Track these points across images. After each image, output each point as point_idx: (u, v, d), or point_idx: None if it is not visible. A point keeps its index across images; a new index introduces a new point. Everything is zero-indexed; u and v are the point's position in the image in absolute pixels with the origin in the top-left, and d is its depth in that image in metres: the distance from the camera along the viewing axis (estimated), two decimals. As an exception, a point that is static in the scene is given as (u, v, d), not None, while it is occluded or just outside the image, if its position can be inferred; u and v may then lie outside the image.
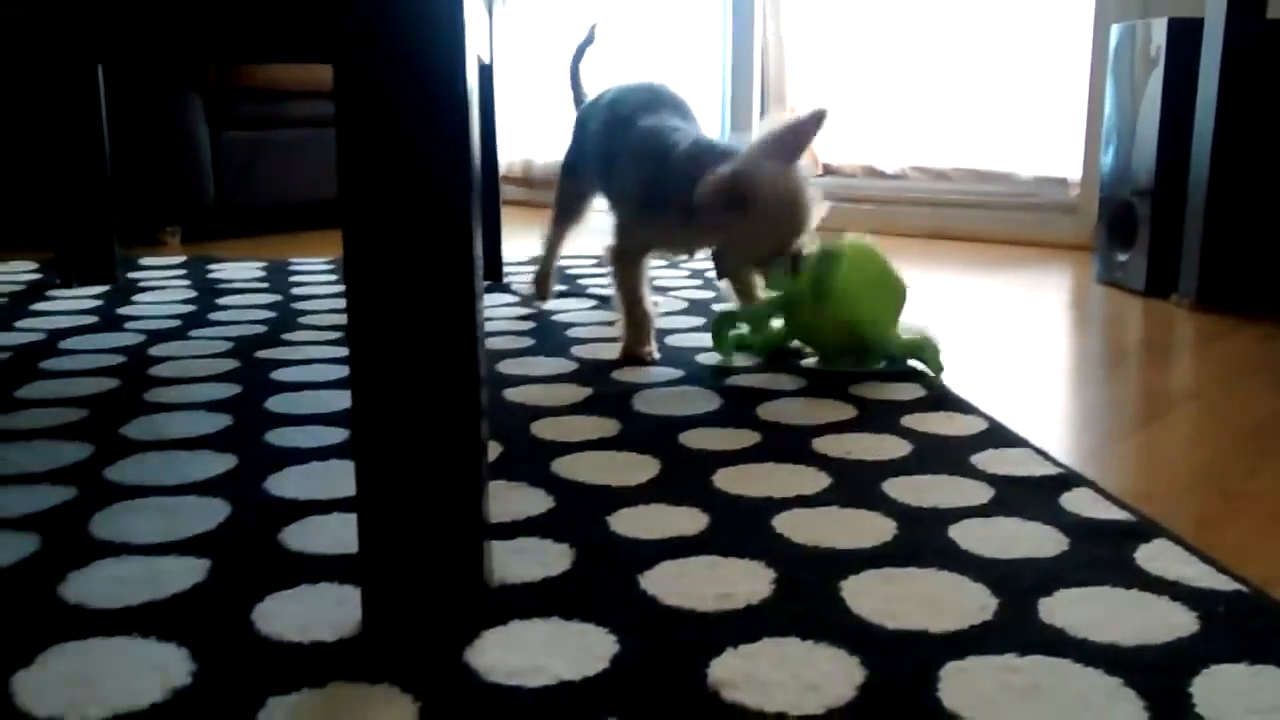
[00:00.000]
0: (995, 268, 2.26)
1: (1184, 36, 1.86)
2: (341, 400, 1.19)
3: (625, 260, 1.41)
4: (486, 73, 1.83)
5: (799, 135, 1.28)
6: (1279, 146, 1.84)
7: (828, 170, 2.87)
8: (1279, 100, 1.83)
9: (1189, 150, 1.85)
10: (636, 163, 1.37)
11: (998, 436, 1.10)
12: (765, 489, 0.94)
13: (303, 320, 1.62)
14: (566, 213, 1.67)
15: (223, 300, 1.77)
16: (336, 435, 1.07)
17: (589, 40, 1.70)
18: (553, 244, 1.72)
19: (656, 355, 1.40)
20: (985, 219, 2.64)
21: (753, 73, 2.98)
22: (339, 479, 0.95)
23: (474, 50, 0.68)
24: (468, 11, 0.66)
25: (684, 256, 1.46)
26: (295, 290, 1.86)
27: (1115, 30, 2.06)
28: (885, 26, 2.81)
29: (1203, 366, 1.48)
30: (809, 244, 1.31)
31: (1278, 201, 1.86)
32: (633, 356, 1.39)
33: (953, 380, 1.32)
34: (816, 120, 1.28)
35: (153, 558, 0.79)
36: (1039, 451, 1.05)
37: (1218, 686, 0.64)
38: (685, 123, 1.42)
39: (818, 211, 1.29)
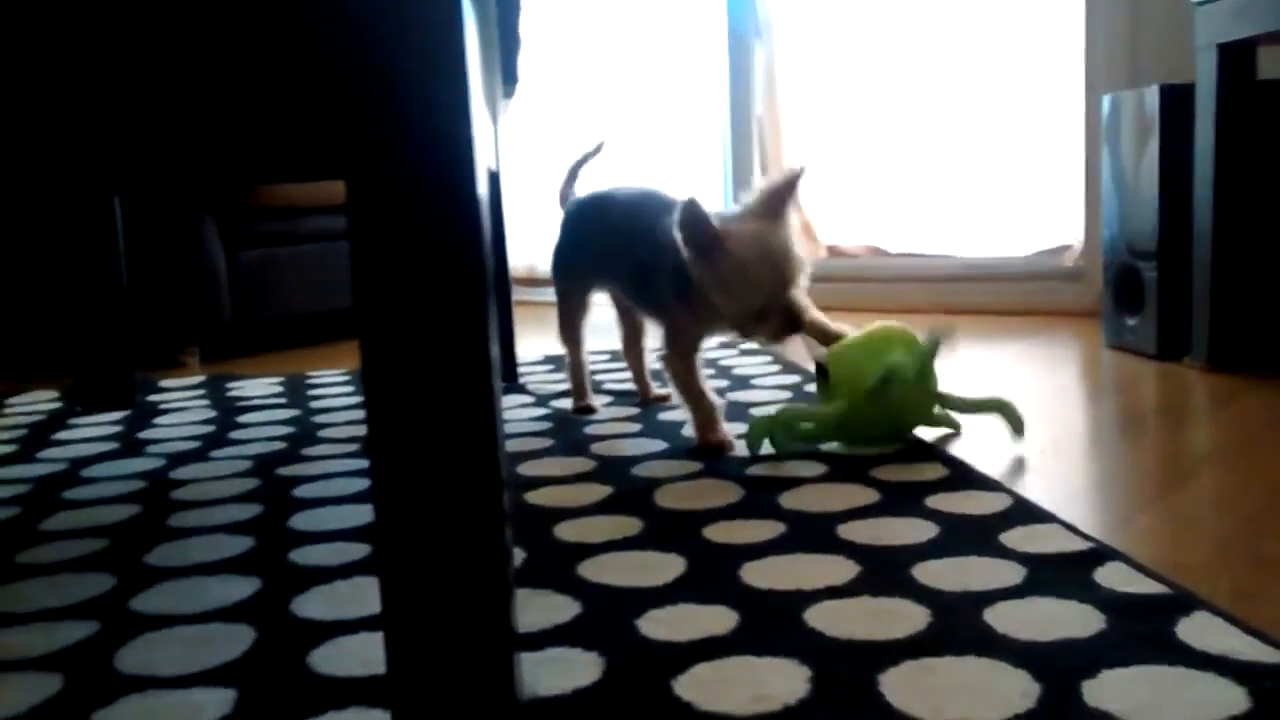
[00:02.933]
0: (1004, 339, 2.25)
1: (1177, 102, 1.89)
2: (364, 514, 1.19)
3: (679, 358, 1.43)
4: (494, 180, 1.86)
5: (777, 195, 1.33)
6: (1278, 204, 1.86)
7: (833, 252, 2.89)
8: (1274, 158, 1.85)
9: (1190, 213, 1.86)
10: (660, 263, 1.38)
11: (1024, 513, 1.09)
12: (794, 581, 0.93)
13: (322, 434, 1.63)
14: (575, 312, 1.69)
15: (242, 419, 1.78)
16: (360, 550, 1.07)
17: (595, 153, 1.74)
18: (574, 348, 1.71)
19: (733, 441, 1.40)
20: (991, 291, 2.65)
21: (752, 158, 3.02)
22: (365, 596, 0.94)
23: (483, 160, 0.69)
24: (475, 123, 0.67)
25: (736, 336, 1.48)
26: (314, 404, 1.87)
27: (1107, 100, 2.09)
28: (879, 108, 2.85)
29: (1222, 429, 1.46)
30: (805, 305, 1.36)
31: (1284, 257, 1.87)
32: (711, 445, 1.40)
33: (973, 455, 1.31)
34: (793, 179, 1.34)
35: (179, 691, 0.78)
36: (1068, 526, 1.04)
37: (1275, 766, 0.62)
38: None
39: (801, 267, 1.32)
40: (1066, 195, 2.56)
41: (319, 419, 1.74)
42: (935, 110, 2.77)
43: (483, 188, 0.69)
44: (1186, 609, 0.84)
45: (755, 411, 1.51)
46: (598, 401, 1.72)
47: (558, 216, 1.73)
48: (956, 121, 2.74)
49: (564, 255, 1.67)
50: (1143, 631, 0.80)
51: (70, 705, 0.76)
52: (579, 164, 1.74)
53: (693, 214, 1.29)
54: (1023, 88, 2.65)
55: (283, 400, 1.92)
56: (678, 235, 1.30)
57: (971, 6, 2.71)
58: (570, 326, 1.69)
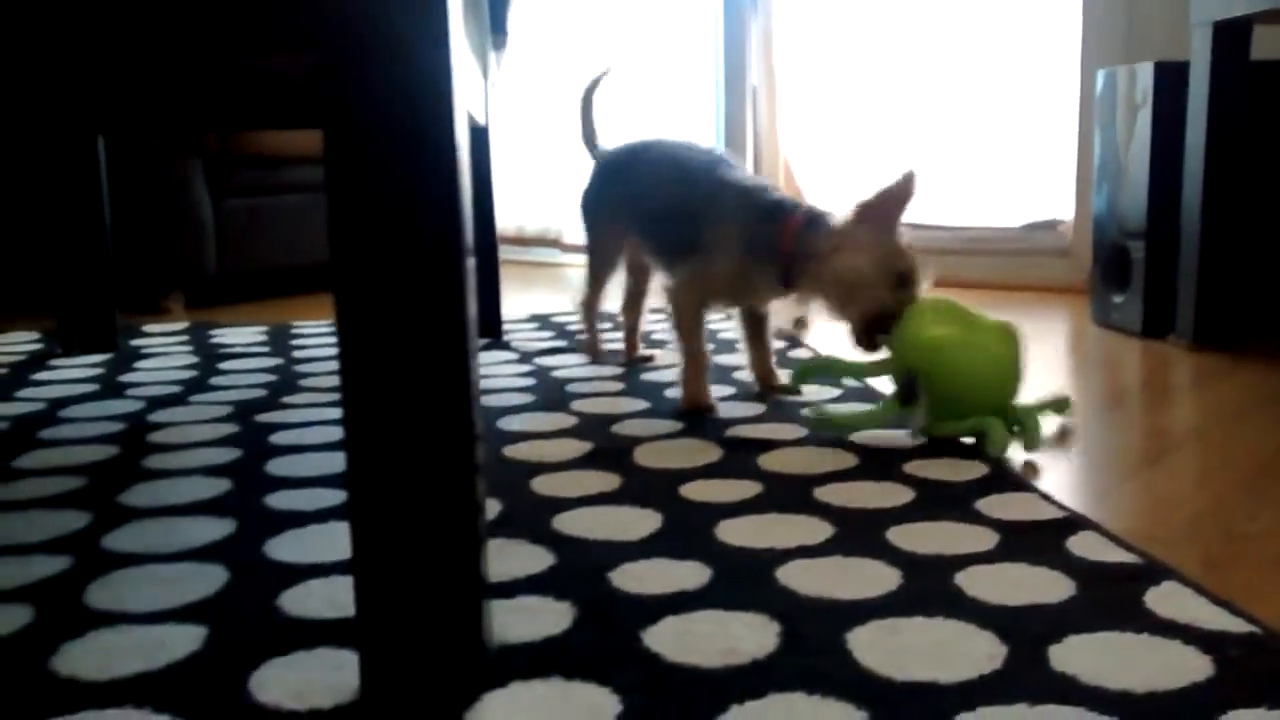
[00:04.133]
0: (993, 313, 2.25)
1: (1170, 80, 1.88)
2: (341, 462, 1.18)
3: (697, 309, 1.43)
4: (481, 135, 1.85)
5: (892, 199, 1.31)
6: (1268, 185, 1.85)
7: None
8: (1266, 139, 1.85)
9: (1180, 192, 1.86)
10: (726, 211, 1.40)
11: (1001, 481, 1.09)
12: (768, 540, 0.93)
13: (303, 383, 1.62)
14: (606, 266, 1.68)
15: (224, 365, 1.77)
16: (336, 497, 1.07)
17: (603, 76, 1.72)
18: (592, 303, 1.72)
19: (716, 404, 1.41)
20: (980, 265, 2.64)
21: (746, 128, 3.00)
22: (338, 541, 0.94)
23: (463, 112, 0.69)
24: (457, 74, 0.66)
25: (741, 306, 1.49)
26: (296, 354, 1.86)
27: (1101, 75, 2.08)
28: (875, 79, 2.84)
29: (1203, 406, 1.47)
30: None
31: (1270, 240, 1.87)
32: (698, 405, 1.40)
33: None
34: (908, 186, 1.32)
35: (149, 627, 0.78)
36: (1044, 495, 1.05)
37: (1234, 731, 0.63)
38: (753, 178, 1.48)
39: (918, 277, 1.31)
40: (1059, 170, 2.56)
41: (301, 368, 1.73)
42: (931, 83, 2.76)
43: (463, 140, 0.68)
44: (1156, 579, 0.84)
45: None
46: (575, 360, 1.72)
47: (583, 159, 1.73)
48: (952, 94, 2.73)
49: (598, 198, 1.66)
50: (1111, 599, 0.81)
51: (40, 637, 0.76)
52: (590, 91, 1.72)
53: (812, 217, 1.33)
54: (1020, 60, 2.63)
55: (266, 349, 1.91)
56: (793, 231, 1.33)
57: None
58: (598, 279, 1.69)
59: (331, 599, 0.82)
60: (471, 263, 0.68)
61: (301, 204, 2.64)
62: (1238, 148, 1.81)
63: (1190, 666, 0.71)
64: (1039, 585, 0.84)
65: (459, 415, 0.67)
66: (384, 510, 0.67)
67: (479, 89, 1.71)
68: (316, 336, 2.03)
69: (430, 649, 0.69)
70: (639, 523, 0.99)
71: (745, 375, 1.54)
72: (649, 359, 1.71)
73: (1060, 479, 1.14)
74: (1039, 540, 0.93)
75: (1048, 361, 1.78)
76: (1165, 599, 0.81)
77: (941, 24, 2.73)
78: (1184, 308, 1.86)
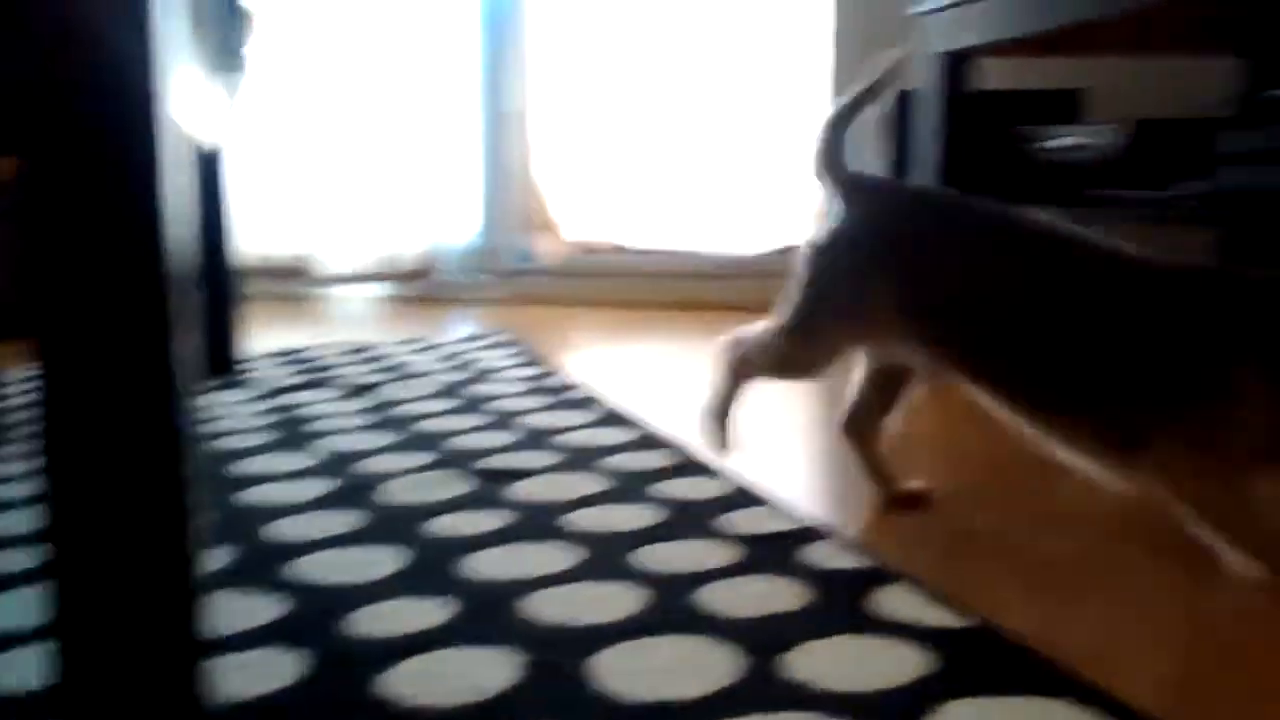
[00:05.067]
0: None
1: (901, 107, 2.02)
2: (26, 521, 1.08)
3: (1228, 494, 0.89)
4: (212, 160, 1.75)
5: None
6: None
7: (583, 249, 2.91)
8: (989, 164, 2.00)
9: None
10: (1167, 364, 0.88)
11: (743, 497, 1.12)
12: (515, 571, 0.92)
13: None
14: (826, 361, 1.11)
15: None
16: (23, 560, 0.97)
17: (878, 89, 1.09)
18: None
19: None
20: (723, 288, 2.74)
21: (511, 152, 3.00)
22: (33, 606, 0.85)
23: (181, 136, 0.64)
24: (169, 104, 0.61)
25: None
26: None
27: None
28: (630, 107, 2.89)
29: (929, 413, 1.56)
30: None
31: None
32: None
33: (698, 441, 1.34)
34: None
35: None
36: (779, 508, 1.08)
37: (952, 722, 0.66)
38: None
39: None
40: (803, 197, 2.69)
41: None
42: (689, 111, 2.85)
43: (177, 166, 0.63)
44: (884, 581, 0.88)
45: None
46: (319, 396, 1.65)
47: (814, 188, 1.17)
48: (710, 123, 2.83)
49: (859, 273, 1.06)
50: (842, 604, 0.84)
51: None
52: (852, 109, 1.09)
53: None
54: (774, 89, 2.76)
55: (-30, 398, 1.73)
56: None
57: (724, 6, 2.80)
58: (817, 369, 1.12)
59: (30, 671, 0.74)
60: (189, 295, 0.63)
61: None
62: (962, 169, 1.96)
63: (915, 662, 0.74)
64: (777, 595, 0.86)
65: (164, 462, 0.62)
66: (85, 570, 0.61)
67: (209, 112, 1.63)
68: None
69: (142, 714, 0.63)
70: (380, 563, 0.95)
71: None
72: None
73: (798, 491, 1.18)
74: (778, 551, 0.95)
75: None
76: (893, 599, 0.84)
77: (701, 53, 2.83)
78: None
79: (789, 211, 2.75)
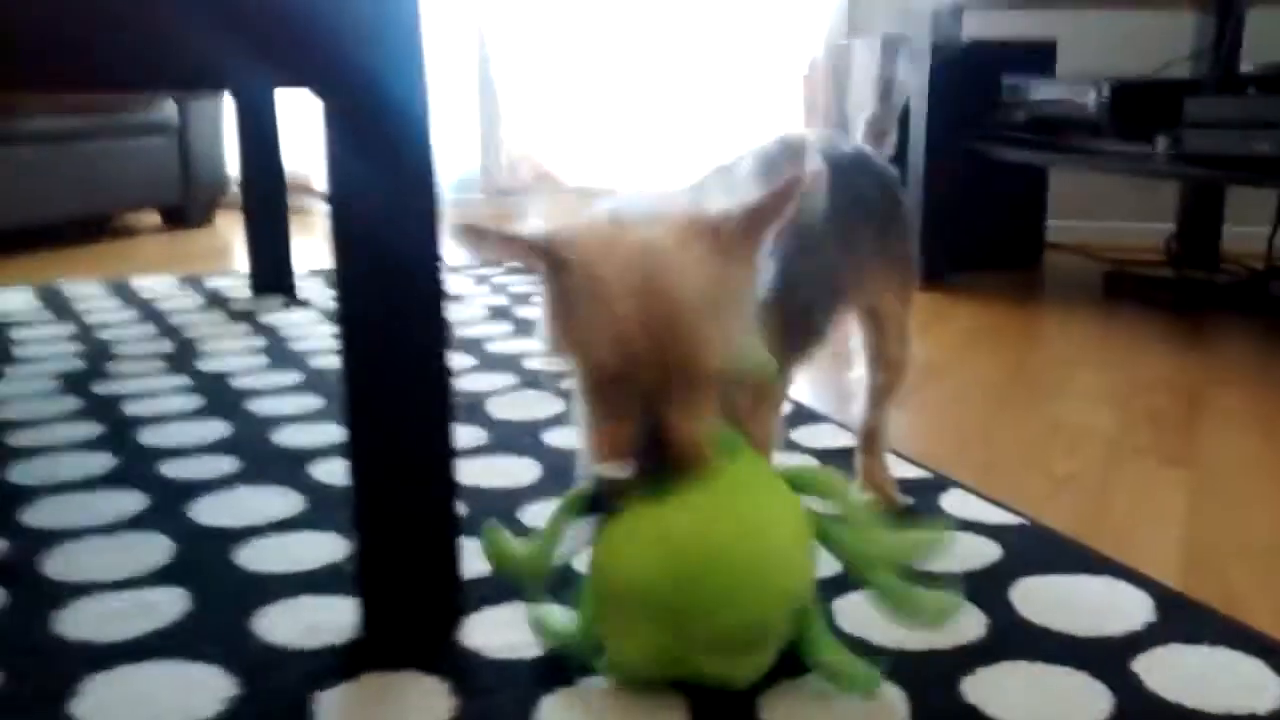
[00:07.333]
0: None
1: (891, 54, 2.18)
2: (206, 431, 1.24)
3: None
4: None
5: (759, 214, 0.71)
6: (976, 146, 2.19)
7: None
8: (975, 111, 2.18)
9: (905, 149, 2.17)
10: None
11: (806, 415, 1.31)
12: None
13: (120, 351, 1.61)
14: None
15: (15, 335, 1.72)
16: (229, 464, 1.13)
17: None
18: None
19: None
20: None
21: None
22: (244, 504, 1.02)
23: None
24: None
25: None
26: (88, 319, 1.82)
27: (822, 50, 2.36)
28: (603, 56, 3.03)
29: (941, 340, 1.77)
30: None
31: (977, 192, 2.22)
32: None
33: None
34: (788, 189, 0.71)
35: (130, 591, 0.85)
36: (842, 425, 1.27)
37: (1033, 596, 0.86)
38: None
39: (718, 336, 0.70)
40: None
41: (104, 335, 1.71)
42: (667, 68, 3.00)
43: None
44: (944, 488, 1.09)
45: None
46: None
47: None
48: (691, 86, 2.99)
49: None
50: (913, 506, 1.04)
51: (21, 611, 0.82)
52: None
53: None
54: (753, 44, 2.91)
55: (50, 315, 1.85)
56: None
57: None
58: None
59: (284, 553, 0.92)
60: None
61: (35, 155, 2.52)
62: (951, 114, 2.14)
63: (983, 552, 0.94)
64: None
65: (437, 376, 0.78)
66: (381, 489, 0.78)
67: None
68: (94, 299, 1.98)
69: (420, 586, 0.81)
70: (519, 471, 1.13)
71: None
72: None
73: (844, 414, 1.38)
74: (843, 462, 1.15)
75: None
76: (955, 503, 1.05)
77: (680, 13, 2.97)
78: (915, 254, 2.17)
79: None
